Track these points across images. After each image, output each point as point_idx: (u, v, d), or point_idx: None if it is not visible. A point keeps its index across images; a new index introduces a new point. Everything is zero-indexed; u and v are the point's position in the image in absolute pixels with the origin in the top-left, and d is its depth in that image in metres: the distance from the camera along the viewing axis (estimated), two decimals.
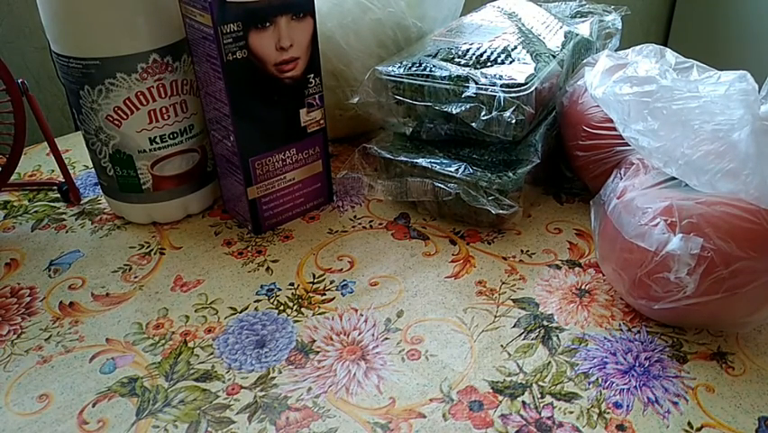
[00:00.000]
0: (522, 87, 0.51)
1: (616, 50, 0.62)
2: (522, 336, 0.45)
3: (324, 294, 0.50)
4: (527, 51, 0.55)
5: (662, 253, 0.40)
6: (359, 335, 0.46)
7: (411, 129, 0.56)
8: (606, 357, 0.43)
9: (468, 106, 0.52)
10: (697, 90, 0.42)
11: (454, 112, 0.52)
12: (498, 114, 0.50)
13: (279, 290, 0.50)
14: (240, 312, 0.48)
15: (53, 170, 0.68)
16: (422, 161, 0.55)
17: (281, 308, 0.48)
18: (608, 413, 0.40)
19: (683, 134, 0.41)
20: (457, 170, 0.53)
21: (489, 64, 0.54)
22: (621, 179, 0.47)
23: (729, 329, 0.45)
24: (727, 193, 0.40)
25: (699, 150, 0.40)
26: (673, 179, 0.43)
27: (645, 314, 0.46)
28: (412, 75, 0.54)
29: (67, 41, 0.50)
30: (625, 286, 0.44)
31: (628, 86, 0.45)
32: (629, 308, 0.47)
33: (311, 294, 0.50)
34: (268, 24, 0.49)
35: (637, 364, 0.43)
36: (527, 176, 0.53)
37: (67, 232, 0.58)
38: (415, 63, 0.55)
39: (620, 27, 0.67)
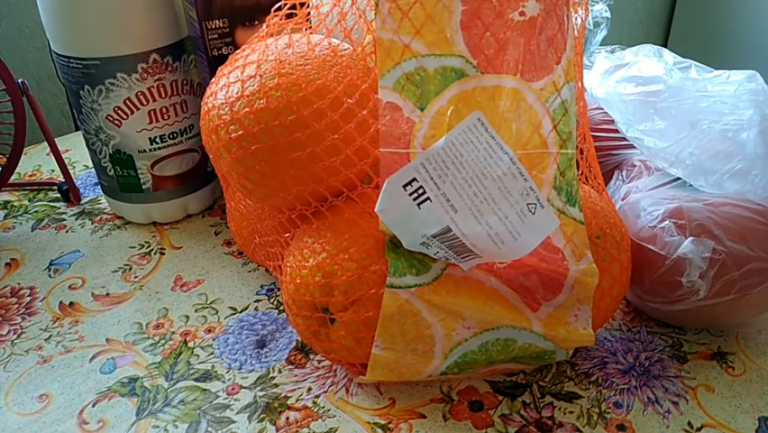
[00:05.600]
0: None
1: (603, 40, 0.61)
2: None
3: None
4: None
5: (674, 257, 0.39)
6: None
7: None
8: (606, 357, 0.43)
9: None
10: (706, 90, 0.42)
11: None
12: None
13: (279, 289, 0.50)
14: (240, 312, 0.48)
15: (53, 170, 0.68)
16: None
17: (281, 307, 0.48)
18: (608, 413, 0.40)
19: (691, 135, 0.41)
20: None
21: None
22: (624, 181, 0.46)
23: (735, 328, 0.45)
24: (735, 194, 0.40)
25: (708, 150, 0.40)
26: (677, 180, 0.43)
27: (654, 317, 0.46)
28: None
29: (67, 41, 0.50)
30: (632, 288, 0.44)
31: (633, 85, 0.44)
32: (629, 307, 0.47)
33: None
34: (257, 23, 0.49)
35: (637, 364, 0.43)
36: None
37: (67, 232, 0.58)
38: None
39: (609, 17, 0.66)
